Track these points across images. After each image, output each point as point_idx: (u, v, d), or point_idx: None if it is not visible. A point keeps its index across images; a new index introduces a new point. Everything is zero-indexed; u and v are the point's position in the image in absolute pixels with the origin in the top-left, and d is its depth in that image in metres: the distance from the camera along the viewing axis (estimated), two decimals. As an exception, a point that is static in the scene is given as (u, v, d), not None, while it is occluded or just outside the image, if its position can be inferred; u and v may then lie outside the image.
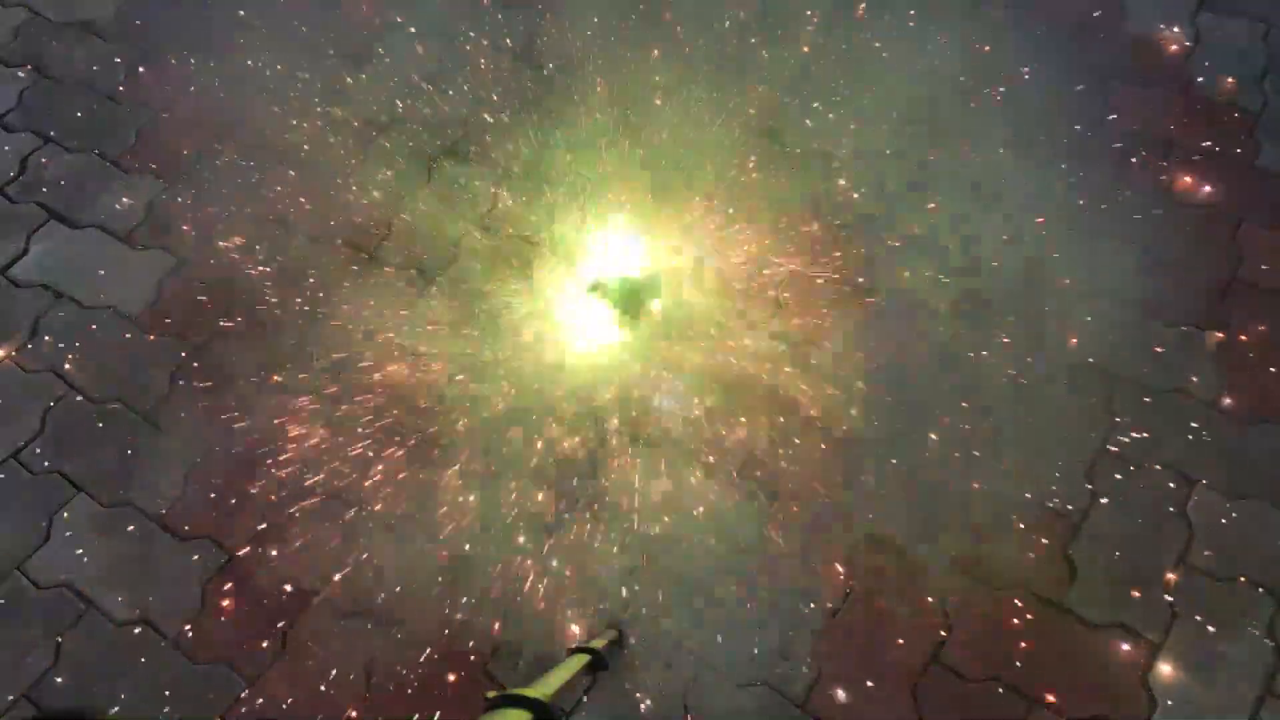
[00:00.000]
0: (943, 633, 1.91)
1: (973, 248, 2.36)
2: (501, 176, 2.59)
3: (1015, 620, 1.91)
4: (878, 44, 2.74)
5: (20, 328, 2.46)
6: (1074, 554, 1.96)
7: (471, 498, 2.12)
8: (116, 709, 1.94)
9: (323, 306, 2.42)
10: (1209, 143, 2.48)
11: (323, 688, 1.94)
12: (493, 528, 2.08)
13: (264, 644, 1.99)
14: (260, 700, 1.93)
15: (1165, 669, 1.85)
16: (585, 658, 1.73)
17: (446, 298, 2.40)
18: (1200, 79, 2.60)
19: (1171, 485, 2.02)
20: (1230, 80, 2.58)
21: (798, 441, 2.13)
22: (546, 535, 2.07)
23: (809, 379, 2.21)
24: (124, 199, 2.66)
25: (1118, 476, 2.04)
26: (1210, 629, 1.88)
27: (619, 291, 2.31)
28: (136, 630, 2.02)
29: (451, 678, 1.93)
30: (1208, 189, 2.41)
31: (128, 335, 2.42)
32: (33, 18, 3.11)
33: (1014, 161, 2.48)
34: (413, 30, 2.92)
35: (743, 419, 2.17)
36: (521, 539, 2.07)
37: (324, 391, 2.28)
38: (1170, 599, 1.91)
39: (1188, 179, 2.43)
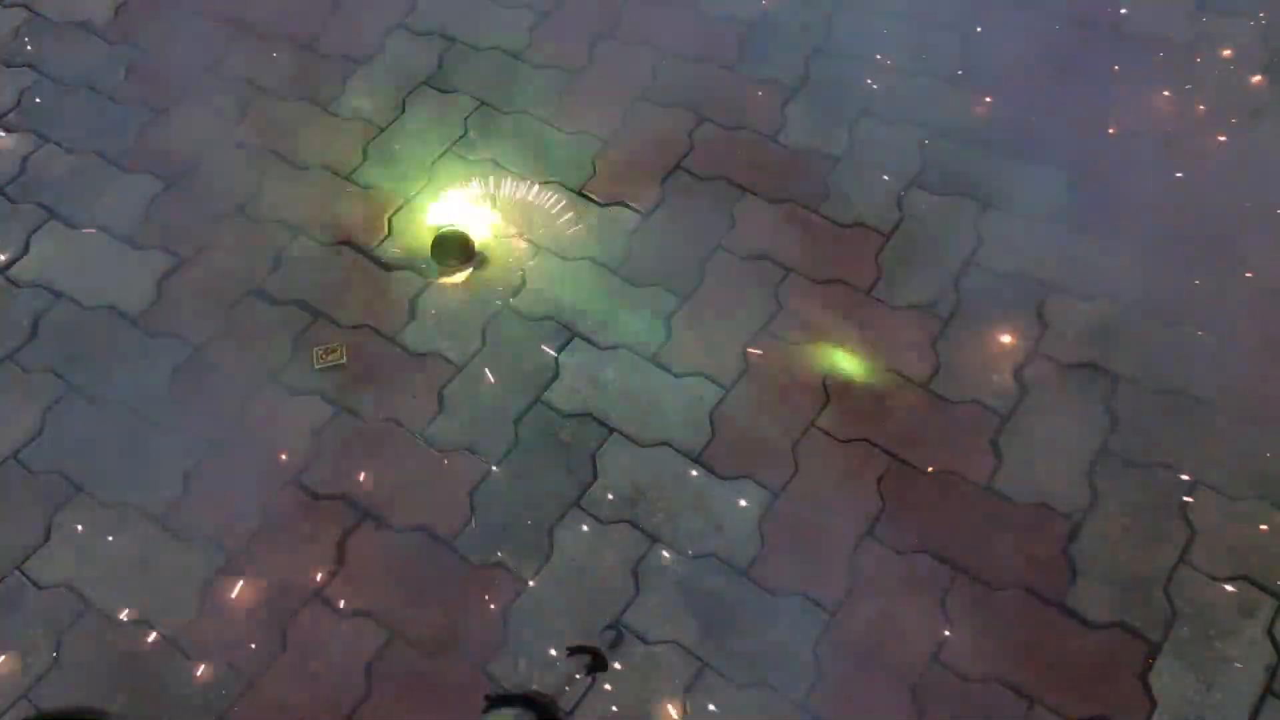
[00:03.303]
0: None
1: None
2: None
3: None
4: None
5: (20, 328, 2.45)
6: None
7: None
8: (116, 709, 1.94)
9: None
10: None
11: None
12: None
13: (264, 644, 1.99)
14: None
15: (1165, 669, 1.85)
16: (585, 658, 1.73)
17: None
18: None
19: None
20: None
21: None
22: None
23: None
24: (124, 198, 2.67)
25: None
26: (1210, 629, 1.88)
27: None
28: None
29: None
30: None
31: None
32: (33, 18, 3.11)
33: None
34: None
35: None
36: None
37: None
38: (1170, 599, 1.91)
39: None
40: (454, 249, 2.43)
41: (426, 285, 2.43)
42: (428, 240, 2.46)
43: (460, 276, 2.44)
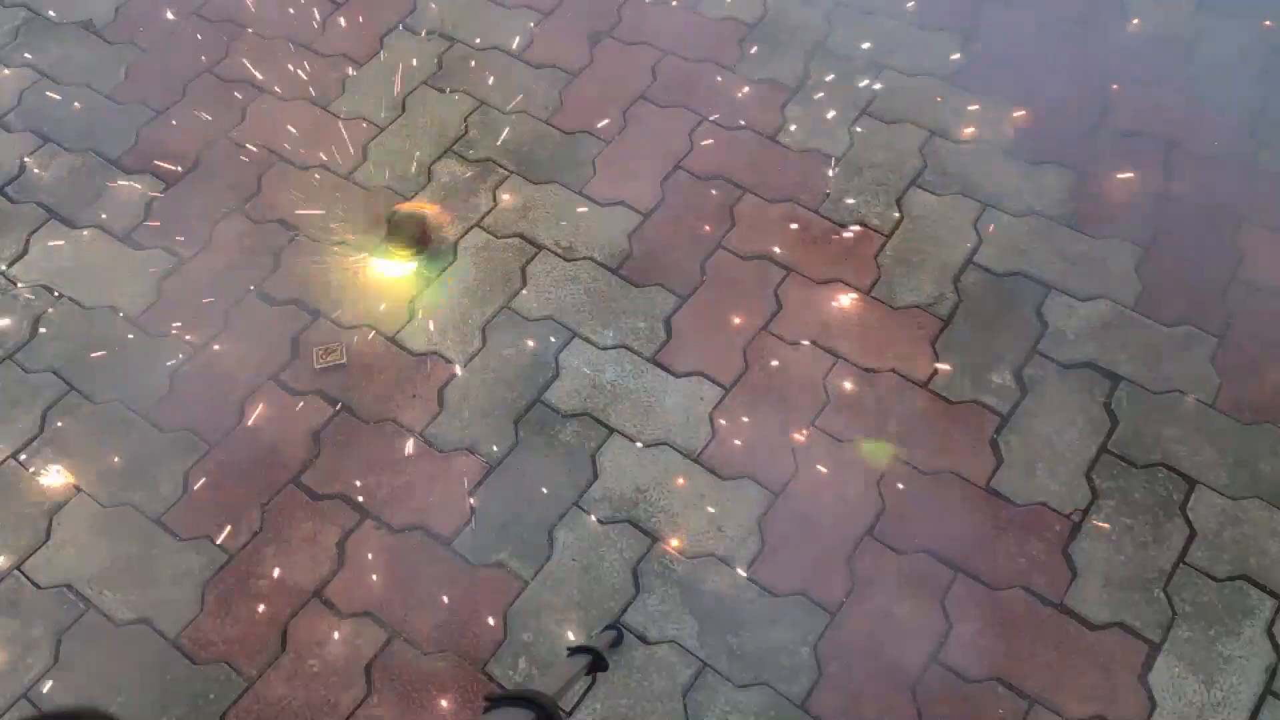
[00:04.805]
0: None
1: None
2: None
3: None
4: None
5: (20, 328, 2.45)
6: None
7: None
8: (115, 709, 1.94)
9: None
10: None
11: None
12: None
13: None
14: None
15: (1165, 669, 1.85)
16: (585, 658, 1.73)
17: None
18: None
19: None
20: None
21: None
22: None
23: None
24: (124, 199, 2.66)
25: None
26: (1210, 629, 1.88)
27: None
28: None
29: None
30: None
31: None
32: (33, 18, 3.11)
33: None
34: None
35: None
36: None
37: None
38: (1170, 599, 1.91)
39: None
40: (406, 231, 2.44)
41: (426, 284, 2.44)
42: (423, 238, 2.47)
43: (412, 261, 2.45)
